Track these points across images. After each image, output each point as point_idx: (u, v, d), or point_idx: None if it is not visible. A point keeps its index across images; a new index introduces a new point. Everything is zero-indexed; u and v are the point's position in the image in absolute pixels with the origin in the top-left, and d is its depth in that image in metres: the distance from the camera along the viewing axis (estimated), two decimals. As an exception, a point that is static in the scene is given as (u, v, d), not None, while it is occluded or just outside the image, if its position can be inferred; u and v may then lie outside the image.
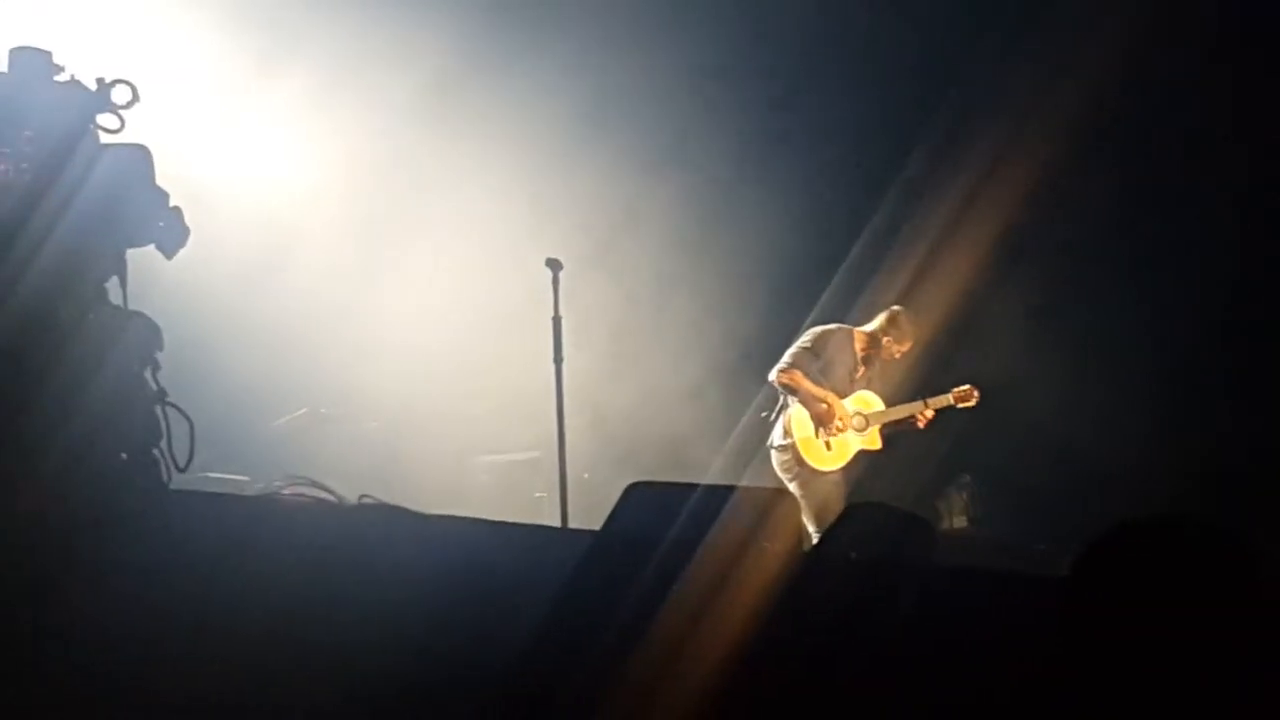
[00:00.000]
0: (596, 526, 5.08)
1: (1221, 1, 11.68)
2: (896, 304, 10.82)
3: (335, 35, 11.76)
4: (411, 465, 10.73)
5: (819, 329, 10.59)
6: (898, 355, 10.67)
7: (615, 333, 12.32)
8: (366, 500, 2.72)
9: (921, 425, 10.68)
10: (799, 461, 10.33)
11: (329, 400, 12.09)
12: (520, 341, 11.11)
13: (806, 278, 12.06)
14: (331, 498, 2.72)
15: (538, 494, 11.65)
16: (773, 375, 10.44)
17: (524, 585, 3.65)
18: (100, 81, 5.37)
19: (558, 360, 9.87)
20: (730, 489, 5.35)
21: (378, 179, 12.10)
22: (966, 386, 10.76)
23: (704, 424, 12.16)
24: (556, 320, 9.93)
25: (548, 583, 3.96)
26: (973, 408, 10.82)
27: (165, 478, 5.23)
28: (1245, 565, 2.74)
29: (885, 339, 10.58)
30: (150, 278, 5.70)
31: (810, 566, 4.96)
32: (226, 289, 10.49)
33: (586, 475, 11.02)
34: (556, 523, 9.75)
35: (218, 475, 9.53)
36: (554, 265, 10.03)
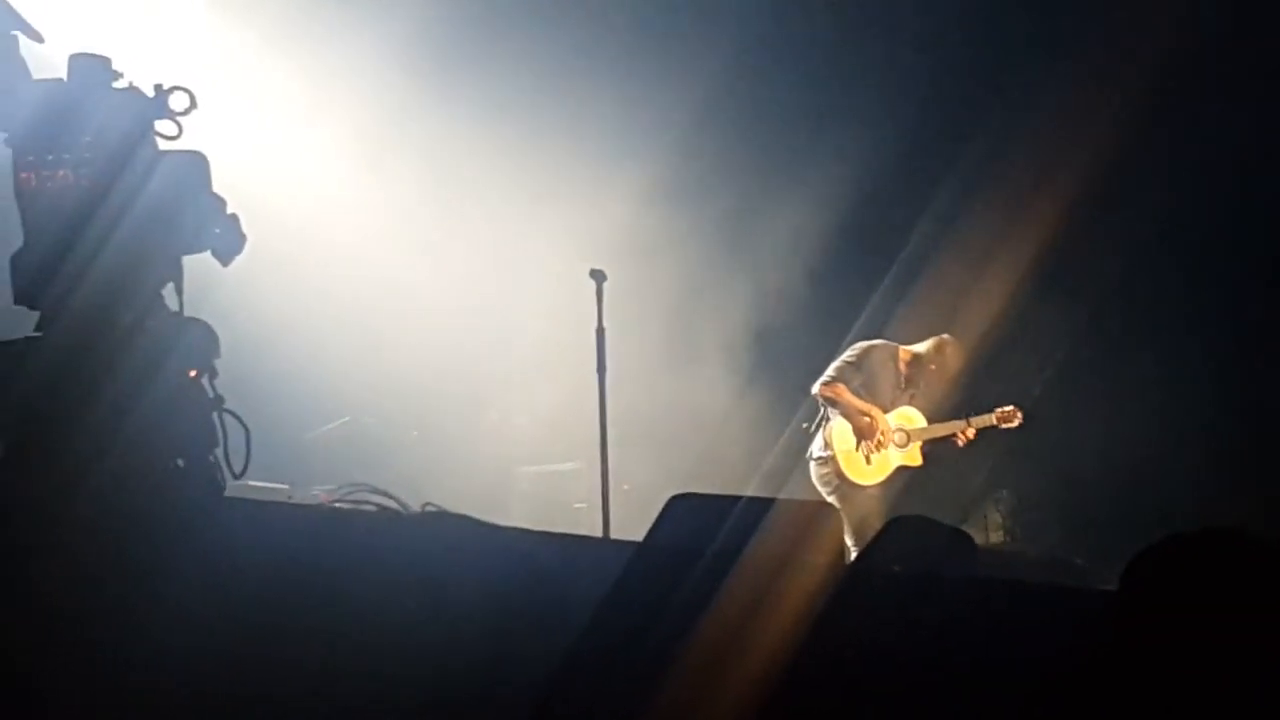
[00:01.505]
0: (637, 538, 5.10)
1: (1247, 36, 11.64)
2: (939, 322, 10.83)
3: (382, 49, 11.81)
4: (453, 475, 10.75)
5: (863, 344, 10.59)
6: (938, 382, 10.66)
7: (658, 344, 12.33)
8: (430, 509, 2.74)
9: (962, 443, 10.66)
10: (839, 475, 10.33)
11: (371, 409, 12.13)
12: (563, 352, 11.14)
13: (848, 292, 12.08)
14: (396, 505, 2.73)
15: (578, 504, 11.67)
16: (815, 388, 10.45)
17: (582, 595, 3.68)
18: (158, 88, 5.40)
19: (601, 371, 9.88)
20: (772, 501, 5.36)
21: (422, 192, 12.13)
22: (1010, 407, 10.73)
23: (746, 436, 12.17)
24: (600, 331, 9.94)
25: (596, 593, 3.98)
26: (1015, 429, 10.80)
27: (222, 484, 5.26)
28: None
29: (930, 366, 10.57)
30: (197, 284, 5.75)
31: (853, 579, 4.96)
32: (268, 297, 10.52)
33: (627, 487, 11.03)
34: (597, 533, 9.75)
35: (257, 484, 9.58)
36: (598, 276, 10.04)
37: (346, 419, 12.12)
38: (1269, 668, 2.69)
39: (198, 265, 5.54)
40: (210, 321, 5.47)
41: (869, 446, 10.32)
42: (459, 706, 2.66)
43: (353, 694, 2.61)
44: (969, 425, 10.61)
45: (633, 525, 6.90)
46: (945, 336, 10.67)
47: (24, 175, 5.32)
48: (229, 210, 5.57)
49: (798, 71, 12.88)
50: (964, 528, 10.35)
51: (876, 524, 8.39)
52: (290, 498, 10.32)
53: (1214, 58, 11.50)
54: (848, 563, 6.16)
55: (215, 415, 5.30)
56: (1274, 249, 11.81)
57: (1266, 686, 2.69)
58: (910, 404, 10.59)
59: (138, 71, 5.51)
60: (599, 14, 12.48)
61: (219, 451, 5.29)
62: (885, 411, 10.41)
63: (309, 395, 11.68)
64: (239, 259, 5.57)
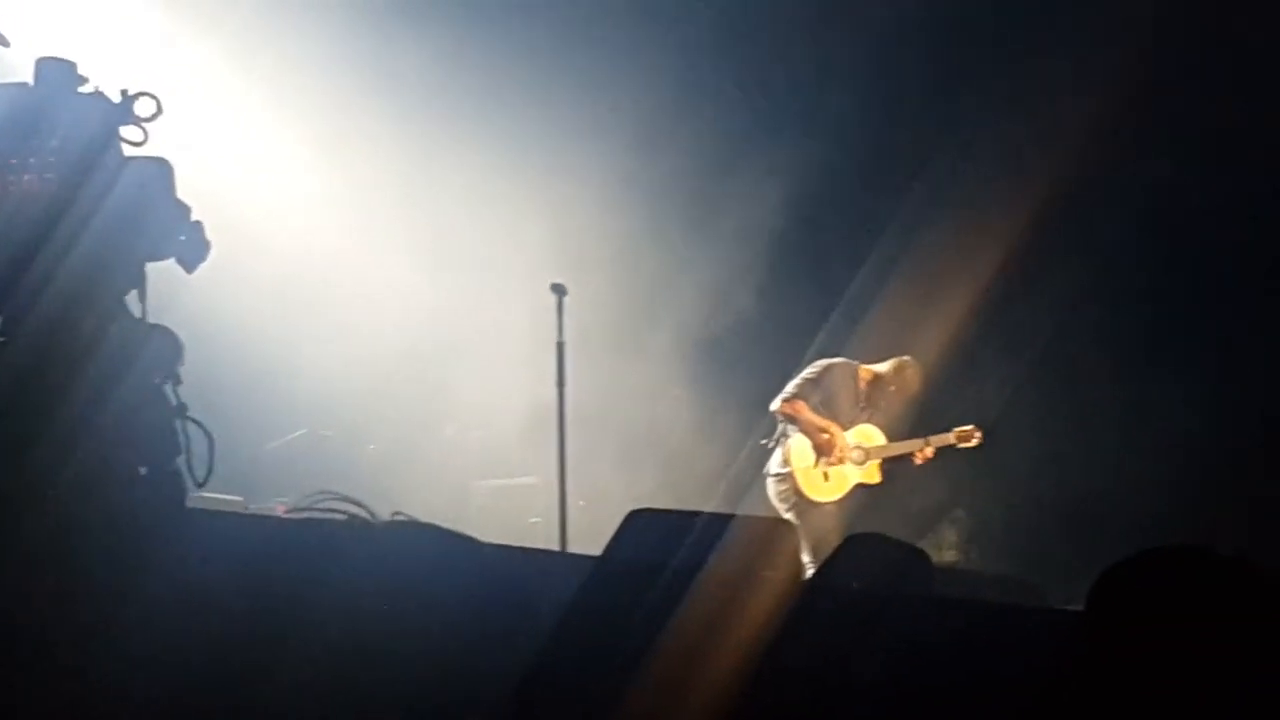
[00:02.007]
0: (594, 553, 5.10)
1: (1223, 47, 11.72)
2: (898, 341, 10.88)
3: (344, 59, 11.80)
4: (410, 488, 10.71)
5: (824, 362, 10.63)
6: (898, 402, 10.70)
7: (617, 359, 12.33)
8: (399, 517, 2.74)
9: (920, 462, 10.70)
10: (796, 491, 10.35)
11: (328, 422, 12.09)
12: (522, 366, 11.14)
13: (809, 310, 12.10)
14: (365, 514, 2.73)
15: (534, 519, 11.65)
16: (775, 404, 10.47)
17: (548, 608, 3.68)
18: (124, 94, 5.38)
19: (560, 385, 9.89)
20: (730, 517, 5.37)
21: (384, 204, 12.11)
22: (969, 426, 10.79)
23: (704, 452, 12.18)
24: (560, 345, 9.95)
25: (554, 608, 3.99)
26: (974, 448, 10.85)
27: (185, 493, 5.25)
28: (1266, 594, 2.77)
29: (890, 386, 10.61)
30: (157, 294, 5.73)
31: (810, 596, 4.98)
32: (226, 308, 10.47)
33: (582, 502, 11.03)
34: (554, 548, 9.75)
35: (212, 495, 9.53)
36: (559, 290, 10.06)
37: (303, 431, 12.08)
38: (1237, 685, 2.72)
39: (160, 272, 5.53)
40: (172, 329, 5.45)
41: (827, 463, 10.35)
42: (428, 717, 2.67)
43: (320, 705, 2.61)
44: (927, 444, 10.66)
45: (589, 540, 6.91)
46: (906, 358, 10.72)
47: (-12, 178, 5.30)
48: (193, 217, 5.56)
49: (752, 90, 12.92)
50: (920, 546, 10.43)
51: (834, 541, 8.42)
52: (247, 510, 10.28)
53: (1171, 86, 11.58)
54: (805, 579, 6.16)
55: (178, 423, 5.28)
56: (1232, 270, 11.89)
57: (1236, 704, 2.71)
58: (869, 422, 10.63)
59: (102, 78, 5.50)
60: (556, 29, 12.48)
61: (181, 460, 5.27)
62: (844, 429, 10.45)
63: (265, 407, 11.63)
64: (202, 266, 5.56)
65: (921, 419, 10.91)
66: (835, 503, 10.45)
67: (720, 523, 5.05)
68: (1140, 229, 12.12)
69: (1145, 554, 2.87)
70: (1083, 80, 11.28)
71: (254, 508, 10.44)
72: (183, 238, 5.47)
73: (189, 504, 5.45)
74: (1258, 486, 11.48)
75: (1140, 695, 2.75)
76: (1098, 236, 12.08)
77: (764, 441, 10.74)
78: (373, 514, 2.77)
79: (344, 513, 2.84)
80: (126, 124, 5.37)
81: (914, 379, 10.67)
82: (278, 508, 9.77)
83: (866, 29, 12.35)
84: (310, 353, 11.60)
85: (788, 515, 10.16)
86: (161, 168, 5.48)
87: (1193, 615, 2.74)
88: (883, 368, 10.69)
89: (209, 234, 5.60)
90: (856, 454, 10.48)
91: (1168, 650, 2.73)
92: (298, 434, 12.04)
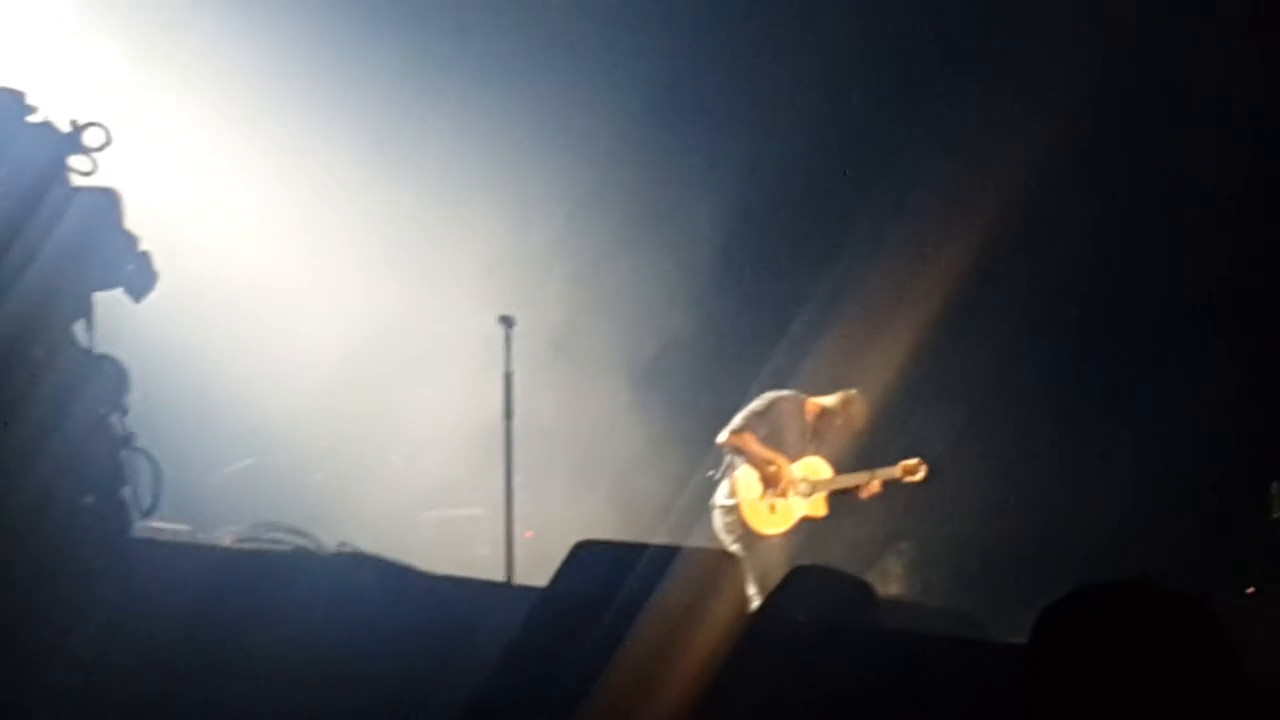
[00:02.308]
0: (541, 584, 5.11)
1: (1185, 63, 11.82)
2: (844, 374, 10.93)
3: (291, 89, 11.80)
4: (356, 519, 10.68)
5: (771, 394, 10.65)
6: (844, 436, 10.73)
7: (565, 391, 12.35)
8: (345, 548, 2.74)
9: (866, 496, 10.73)
10: (742, 524, 10.36)
11: (275, 451, 12.04)
12: (470, 397, 11.13)
13: (757, 342, 12.15)
14: (311, 545, 2.73)
15: (480, 550, 11.62)
16: (722, 437, 10.49)
17: (491, 640, 3.69)
18: (73, 123, 5.37)
19: (508, 416, 9.88)
20: (676, 550, 5.39)
21: (332, 234, 12.09)
22: (915, 460, 10.82)
23: (651, 484, 12.18)
24: (508, 376, 9.94)
25: (505, 638, 3.99)
26: (919, 482, 10.88)
27: (131, 522, 5.23)
28: (1208, 628, 2.79)
29: (837, 420, 10.64)
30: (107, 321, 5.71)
31: (756, 628, 4.99)
32: (171, 337, 10.42)
33: (529, 534, 11.02)
34: (500, 579, 9.73)
35: (159, 525, 9.47)
36: (507, 322, 10.06)
37: (250, 461, 12.02)
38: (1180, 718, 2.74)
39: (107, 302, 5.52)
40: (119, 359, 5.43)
41: (774, 495, 10.37)
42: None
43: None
44: (874, 478, 10.68)
45: (535, 572, 6.90)
46: (853, 392, 10.75)
47: (-62, 207, 5.28)
48: (141, 247, 5.55)
49: (703, 124, 12.96)
50: (865, 578, 10.46)
51: (779, 574, 8.44)
52: (194, 539, 10.23)
53: (1122, 111, 11.70)
54: (750, 612, 6.18)
55: (124, 452, 5.26)
56: (1175, 304, 12.01)
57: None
58: (816, 455, 10.65)
59: (51, 108, 5.49)
60: (504, 59, 12.49)
61: (128, 490, 5.25)
62: (791, 462, 10.47)
63: (212, 436, 11.57)
64: (153, 296, 5.55)
65: (867, 453, 10.95)
66: (781, 535, 10.45)
67: (666, 555, 5.07)
68: (1082, 267, 12.21)
69: (1088, 588, 2.88)
70: (1025, 120, 11.37)
71: (201, 537, 10.39)
72: (131, 267, 5.46)
73: (135, 534, 5.43)
74: (1198, 522, 11.59)
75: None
76: (1041, 274, 12.16)
77: (710, 473, 10.74)
78: (319, 545, 2.76)
79: (290, 543, 2.84)
80: (75, 154, 5.36)
81: (860, 412, 10.71)
82: (225, 537, 9.73)
83: (809, 68, 12.42)
84: (256, 382, 11.56)
85: (734, 547, 10.15)
86: (110, 198, 5.48)
87: (1136, 649, 2.76)
88: (829, 401, 10.72)
89: (163, 264, 5.60)
90: (803, 487, 10.50)
91: (1111, 684, 2.75)
92: (244, 463, 11.98)
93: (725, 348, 12.64)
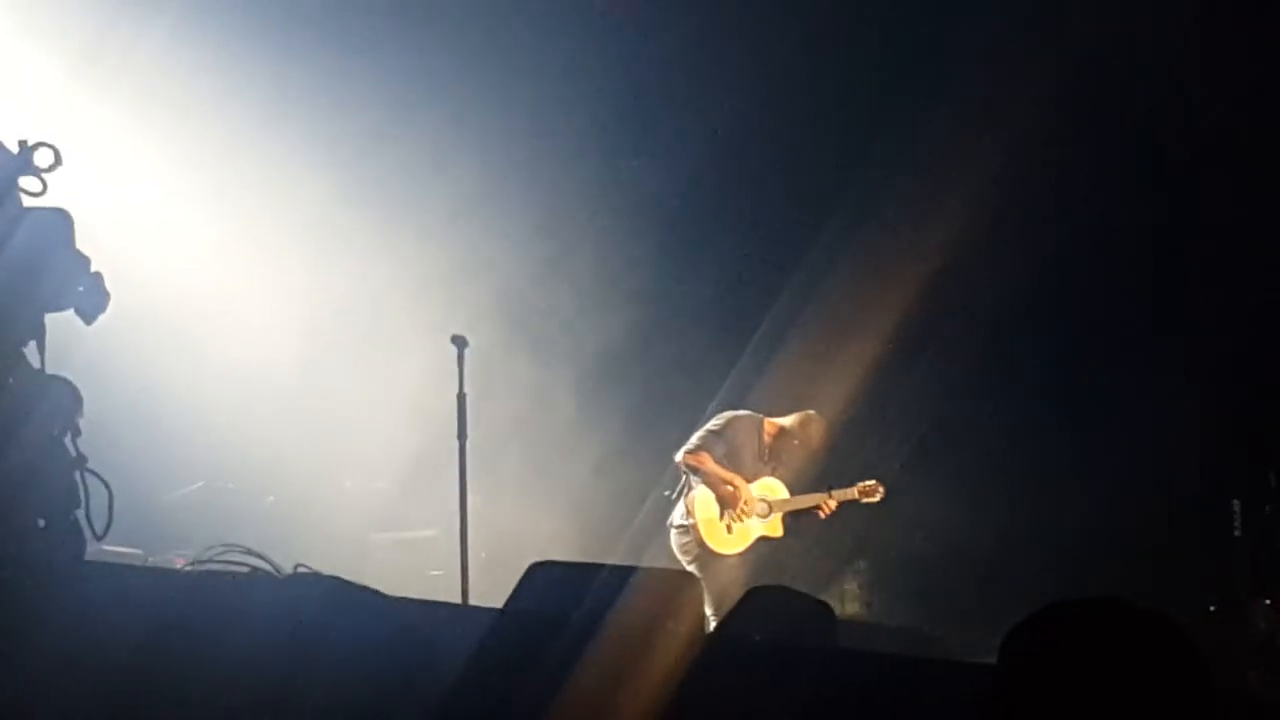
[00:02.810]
0: (496, 605, 5.07)
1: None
2: (801, 394, 10.94)
3: (238, 109, 11.77)
4: (309, 541, 10.61)
5: (728, 414, 10.65)
6: (801, 456, 10.73)
7: (518, 412, 12.32)
8: (303, 569, 2.70)
9: (824, 515, 10.71)
10: (699, 543, 10.34)
11: (226, 474, 11.98)
12: (423, 418, 11.08)
13: (712, 362, 12.16)
14: (269, 567, 2.69)
15: (435, 571, 11.58)
16: (679, 456, 10.47)
17: (449, 661, 3.66)
18: (22, 144, 5.32)
19: (461, 437, 9.83)
20: (633, 569, 5.37)
21: (284, 255, 12.05)
22: (872, 482, 10.82)
23: (607, 503, 12.17)
24: (461, 397, 9.89)
25: (463, 659, 3.96)
26: (876, 503, 10.89)
27: (83, 545, 5.18)
28: (1179, 646, 2.77)
29: (795, 440, 10.64)
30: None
31: (713, 648, 4.97)
32: (121, 359, 10.35)
33: (484, 554, 10.97)
34: (455, 601, 9.68)
35: (111, 548, 9.39)
36: (459, 342, 10.00)
37: (201, 484, 11.95)
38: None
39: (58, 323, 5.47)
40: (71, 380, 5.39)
41: (731, 516, 10.35)
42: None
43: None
44: (830, 497, 10.68)
45: (491, 593, 6.87)
46: (811, 413, 10.76)
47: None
48: (92, 268, 5.51)
49: (661, 141, 12.95)
50: (822, 598, 10.46)
51: (736, 593, 8.42)
52: (146, 563, 10.15)
53: (1066, 151, 11.76)
54: (708, 632, 6.16)
55: (77, 474, 5.22)
56: (1136, 323, 12.06)
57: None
58: (772, 475, 10.64)
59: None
60: (447, 75, 12.46)
61: (80, 512, 5.20)
62: (748, 481, 10.45)
63: (163, 459, 11.49)
64: (101, 317, 5.51)
65: (824, 475, 10.95)
66: (738, 555, 10.44)
67: (623, 575, 5.05)
68: (1043, 287, 12.25)
69: (1058, 605, 2.86)
70: (980, 142, 11.41)
71: (153, 560, 10.31)
72: (82, 288, 5.42)
73: (88, 557, 5.38)
74: (1158, 541, 11.62)
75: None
76: (997, 294, 12.19)
77: (667, 493, 10.74)
78: (275, 567, 2.73)
79: (247, 565, 2.80)
80: (25, 174, 5.31)
81: (818, 433, 10.71)
82: (177, 560, 9.66)
83: (770, 79, 12.44)
84: (208, 405, 11.50)
85: (690, 567, 10.14)
86: (61, 218, 5.43)
87: (1107, 667, 2.74)
88: (787, 421, 10.72)
89: (114, 285, 5.56)
90: (760, 507, 10.49)
91: (1082, 702, 2.73)
92: (195, 486, 11.91)
93: (684, 366, 12.62)
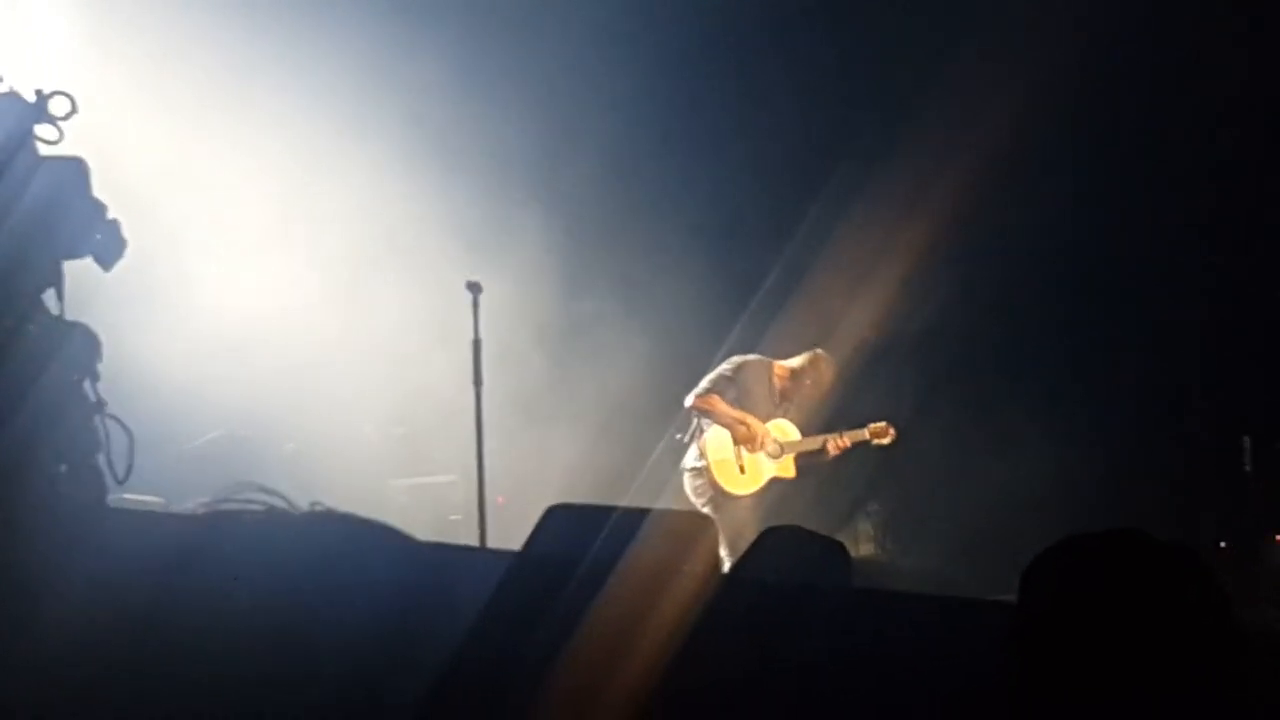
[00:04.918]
0: (513, 549, 5.11)
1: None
2: (812, 337, 10.97)
3: (255, 58, 11.76)
4: (328, 488, 10.64)
5: (739, 358, 10.69)
6: (813, 396, 10.77)
7: (534, 356, 12.35)
8: (318, 507, 2.74)
9: (835, 453, 10.75)
10: (713, 485, 10.41)
11: (245, 422, 12.02)
12: (439, 365, 11.12)
13: (724, 306, 12.17)
14: (285, 504, 2.73)
15: (453, 516, 11.65)
16: (690, 400, 10.52)
17: (467, 603, 3.69)
18: (39, 93, 5.36)
19: (477, 384, 9.87)
20: (648, 512, 5.40)
21: (300, 201, 12.06)
22: (883, 423, 10.87)
23: (621, 448, 12.20)
24: (476, 343, 9.93)
25: (476, 600, 3.99)
26: (888, 445, 10.93)
27: (105, 490, 5.23)
28: (1201, 577, 2.79)
29: (806, 380, 10.68)
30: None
31: (729, 589, 5.00)
32: (139, 307, 10.38)
33: (501, 499, 11.03)
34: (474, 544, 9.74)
35: (132, 497, 9.44)
36: (474, 288, 10.04)
37: (220, 432, 11.99)
38: (1175, 671, 2.74)
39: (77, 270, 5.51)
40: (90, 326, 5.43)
41: (748, 451, 10.39)
42: (347, 712, 2.66)
43: (239, 696, 2.61)
44: (842, 437, 10.72)
45: (508, 537, 6.92)
46: (819, 351, 10.80)
47: (-100, 179, 5.27)
48: (109, 215, 5.54)
49: (668, 89, 12.95)
50: (836, 538, 10.50)
51: (750, 534, 8.46)
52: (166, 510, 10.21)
53: (1079, 101, 11.74)
54: (723, 573, 6.20)
55: (97, 419, 5.26)
56: (1149, 267, 12.07)
57: (1176, 691, 2.73)
58: (784, 418, 10.68)
59: (16, 78, 5.48)
60: (467, 27, 12.47)
61: (101, 457, 5.25)
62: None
63: (182, 408, 11.53)
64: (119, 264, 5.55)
65: (838, 414, 10.99)
66: (752, 495, 10.51)
67: (638, 517, 5.08)
68: (1062, 223, 12.26)
69: (1078, 537, 2.87)
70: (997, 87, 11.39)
71: (174, 509, 10.36)
72: (99, 236, 5.45)
73: (110, 502, 5.43)
74: (1171, 477, 11.66)
75: (1076, 684, 2.76)
76: (1016, 231, 12.18)
77: (679, 436, 10.79)
78: (292, 504, 2.77)
79: (262, 504, 2.84)
80: (41, 123, 5.34)
81: (828, 371, 10.76)
82: (197, 508, 9.71)
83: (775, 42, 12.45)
84: (227, 353, 11.53)
85: (705, 509, 10.20)
86: (77, 166, 5.46)
87: (1129, 599, 2.76)
88: (796, 362, 10.77)
89: (132, 232, 5.60)
90: (773, 448, 10.54)
91: (1104, 634, 2.74)
92: (214, 435, 11.96)
93: (696, 310, 12.64)
